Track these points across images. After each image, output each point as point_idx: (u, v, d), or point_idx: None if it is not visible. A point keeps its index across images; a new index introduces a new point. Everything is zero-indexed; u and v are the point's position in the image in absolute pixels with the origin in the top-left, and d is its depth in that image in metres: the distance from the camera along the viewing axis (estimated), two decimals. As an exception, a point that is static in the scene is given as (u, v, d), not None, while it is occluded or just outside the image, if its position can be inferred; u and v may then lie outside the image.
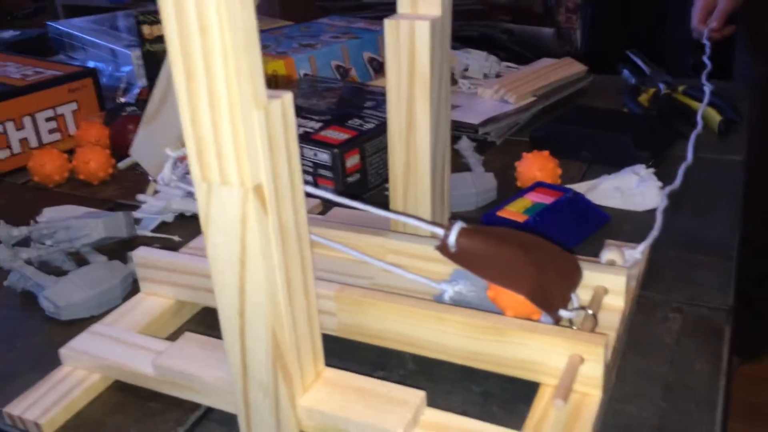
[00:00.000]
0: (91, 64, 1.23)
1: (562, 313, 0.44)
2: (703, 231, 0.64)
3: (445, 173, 0.59)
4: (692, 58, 1.47)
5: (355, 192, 0.74)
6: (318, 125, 0.76)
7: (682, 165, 0.64)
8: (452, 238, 0.45)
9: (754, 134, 0.90)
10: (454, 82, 1.02)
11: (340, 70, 1.03)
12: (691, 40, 1.27)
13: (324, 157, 0.71)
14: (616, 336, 0.46)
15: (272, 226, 0.36)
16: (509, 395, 0.45)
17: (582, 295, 0.48)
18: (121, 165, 0.83)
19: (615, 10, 1.68)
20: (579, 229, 0.64)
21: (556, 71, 1.02)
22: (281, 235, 0.37)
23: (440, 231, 0.46)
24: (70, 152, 0.83)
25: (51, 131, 0.90)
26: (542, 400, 0.42)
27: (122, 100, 1.05)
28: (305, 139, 0.73)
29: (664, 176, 0.67)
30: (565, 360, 0.41)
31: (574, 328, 0.44)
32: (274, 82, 0.96)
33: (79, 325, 0.55)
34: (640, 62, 1.04)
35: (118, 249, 0.65)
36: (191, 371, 0.44)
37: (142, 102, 0.96)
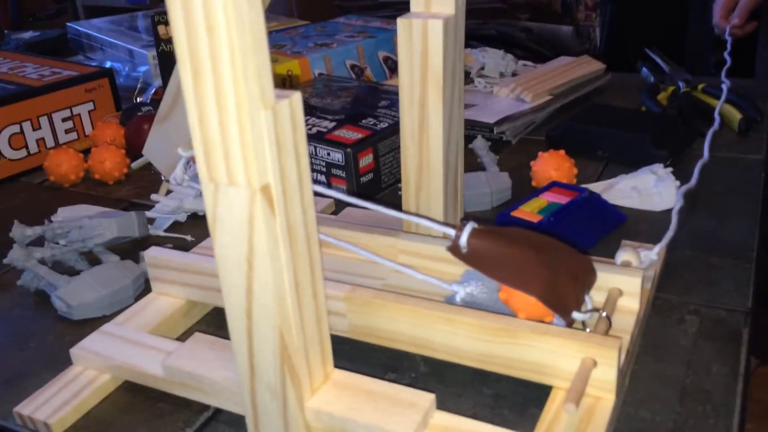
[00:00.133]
0: (108, 64, 1.24)
1: (575, 315, 0.44)
2: (721, 231, 0.63)
3: (458, 173, 0.58)
4: (714, 56, 1.45)
5: (369, 192, 0.73)
6: (332, 125, 0.75)
7: (698, 163, 0.63)
8: (464, 239, 0.45)
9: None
10: (470, 81, 1.01)
11: (355, 69, 1.03)
12: (713, 37, 1.25)
13: (337, 156, 0.71)
14: (630, 339, 0.45)
15: (280, 226, 0.36)
16: (521, 398, 0.44)
17: (596, 296, 0.47)
18: (135, 165, 0.84)
19: (635, 7, 1.66)
20: (595, 230, 0.63)
21: (574, 69, 1.00)
22: (289, 236, 0.37)
23: (452, 232, 0.46)
24: (87, 152, 0.84)
25: (67, 131, 0.91)
26: (554, 404, 0.41)
27: (138, 99, 1.05)
28: (319, 138, 0.73)
29: (683, 176, 0.66)
30: (577, 363, 0.41)
31: (588, 330, 0.44)
32: (289, 82, 0.96)
33: (91, 324, 0.55)
34: (659, 60, 1.03)
35: (131, 249, 0.65)
36: (200, 372, 0.44)
37: (157, 102, 0.96)
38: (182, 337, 0.53)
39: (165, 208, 0.70)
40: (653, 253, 0.50)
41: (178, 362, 0.45)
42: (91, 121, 0.93)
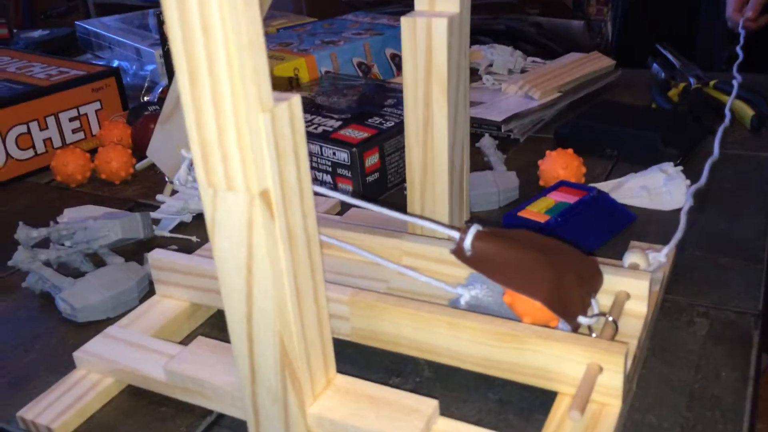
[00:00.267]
0: (116, 62, 1.24)
1: (581, 319, 0.43)
2: (731, 231, 0.62)
3: (463, 173, 0.58)
4: (726, 50, 1.43)
5: (374, 191, 0.73)
6: (337, 124, 0.75)
7: (708, 161, 0.62)
8: (468, 242, 0.44)
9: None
10: (478, 78, 1.01)
11: (362, 67, 1.02)
12: (726, 31, 1.23)
13: (343, 156, 0.70)
14: (637, 343, 0.44)
15: (279, 231, 0.35)
16: (526, 403, 0.44)
17: (603, 300, 0.46)
18: (139, 166, 0.83)
19: (647, 1, 1.64)
20: (603, 230, 0.62)
21: (583, 66, 0.99)
22: (289, 241, 0.36)
23: (456, 234, 0.45)
24: (94, 151, 0.84)
25: (74, 131, 0.91)
26: (559, 410, 0.41)
27: (146, 98, 1.05)
28: (324, 138, 0.72)
29: (694, 174, 0.65)
30: (583, 368, 0.40)
31: (594, 335, 0.43)
32: (296, 80, 0.95)
33: (95, 326, 0.55)
34: (669, 56, 1.02)
35: (136, 250, 0.65)
36: (202, 377, 0.44)
37: (164, 101, 0.96)
38: (186, 340, 0.53)
39: (170, 209, 0.70)
40: (661, 255, 0.49)
41: (180, 366, 0.45)
42: (98, 120, 0.93)
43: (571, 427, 0.39)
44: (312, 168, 0.74)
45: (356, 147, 0.70)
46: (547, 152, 0.72)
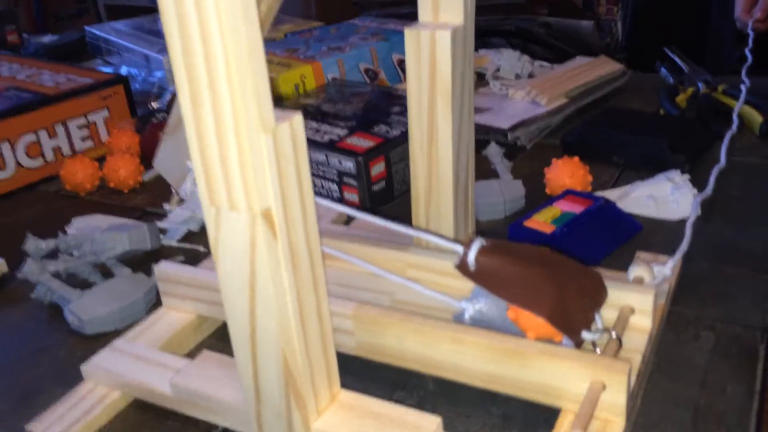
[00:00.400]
0: (125, 68, 1.24)
1: (585, 335, 0.43)
2: (739, 240, 0.62)
3: (468, 184, 0.58)
4: (738, 51, 1.42)
5: (381, 200, 0.73)
6: (344, 132, 0.75)
7: (714, 168, 0.62)
8: (471, 257, 0.44)
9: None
10: (485, 83, 1.01)
11: (368, 73, 1.02)
12: (737, 31, 1.22)
13: (349, 165, 0.71)
14: (641, 358, 0.44)
15: (282, 251, 0.36)
16: (530, 419, 0.44)
17: (608, 314, 0.46)
18: (146, 177, 0.84)
19: (658, 2, 1.63)
20: (609, 240, 0.62)
21: (591, 71, 0.99)
22: (292, 259, 0.36)
23: (460, 249, 0.45)
24: (103, 159, 0.84)
25: (83, 138, 0.91)
26: (562, 426, 0.41)
27: (154, 105, 1.06)
28: (330, 147, 0.72)
29: (701, 182, 0.65)
30: (586, 385, 0.40)
31: (598, 350, 0.43)
32: (302, 87, 0.96)
33: (103, 338, 0.55)
34: (678, 60, 1.01)
35: (144, 260, 0.65)
36: (207, 391, 0.44)
37: (172, 106, 0.96)
38: (193, 352, 0.53)
39: (178, 218, 0.71)
40: (666, 269, 0.49)
41: (186, 381, 0.45)
42: (107, 128, 0.93)
43: (575, 444, 0.39)
44: (318, 177, 0.74)
45: (362, 156, 0.70)
46: (554, 160, 0.72)
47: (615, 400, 0.39)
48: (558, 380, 0.41)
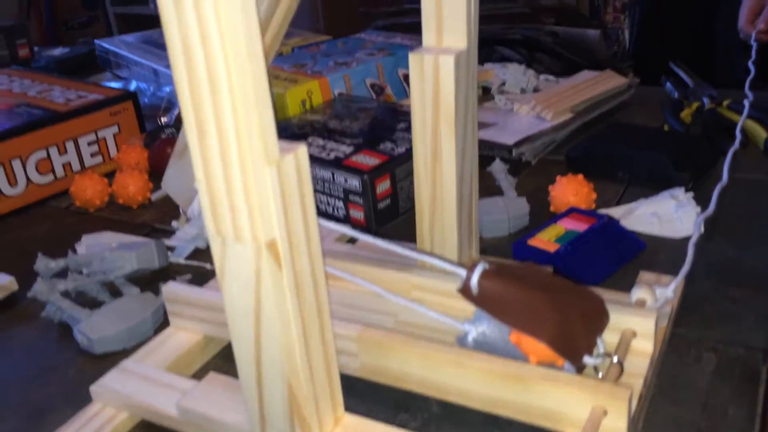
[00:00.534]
0: (134, 82, 1.26)
1: (587, 360, 0.43)
2: (742, 260, 0.62)
3: (472, 202, 0.58)
4: (744, 61, 1.42)
5: (386, 217, 0.74)
6: (349, 149, 0.76)
7: (716, 186, 0.62)
8: (474, 281, 0.45)
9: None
10: (490, 97, 1.01)
11: (375, 88, 1.03)
12: (744, 42, 1.22)
13: (354, 183, 0.71)
14: (643, 382, 0.44)
15: (287, 281, 0.36)
16: (532, 442, 0.44)
17: (610, 337, 0.46)
18: (154, 197, 0.84)
19: (665, 9, 1.63)
20: (612, 259, 0.63)
21: (596, 85, 0.99)
22: (296, 288, 0.37)
23: (462, 272, 0.46)
24: (112, 174, 0.85)
25: (93, 155, 0.92)
26: (564, 451, 0.41)
27: (163, 120, 1.07)
28: (336, 164, 0.73)
29: (705, 199, 0.65)
30: (587, 410, 0.40)
31: (600, 375, 0.43)
32: (309, 103, 0.96)
33: (111, 357, 0.56)
34: (683, 74, 1.01)
35: (152, 278, 0.66)
36: (213, 414, 0.45)
37: (181, 123, 0.97)
38: (199, 372, 0.54)
39: (185, 236, 0.71)
40: (669, 291, 0.49)
41: (192, 404, 0.46)
42: (116, 144, 0.95)
43: (576, 470, 0.40)
44: (324, 194, 0.74)
45: (368, 174, 0.71)
46: (558, 178, 0.72)
47: (616, 426, 0.40)
48: (560, 405, 0.41)
